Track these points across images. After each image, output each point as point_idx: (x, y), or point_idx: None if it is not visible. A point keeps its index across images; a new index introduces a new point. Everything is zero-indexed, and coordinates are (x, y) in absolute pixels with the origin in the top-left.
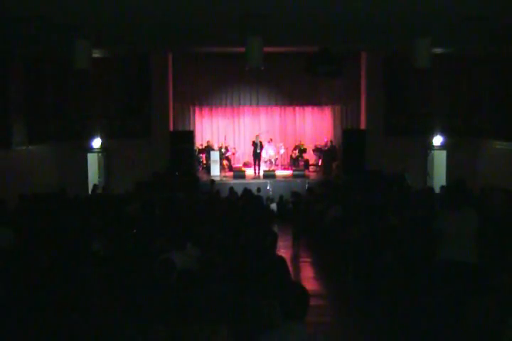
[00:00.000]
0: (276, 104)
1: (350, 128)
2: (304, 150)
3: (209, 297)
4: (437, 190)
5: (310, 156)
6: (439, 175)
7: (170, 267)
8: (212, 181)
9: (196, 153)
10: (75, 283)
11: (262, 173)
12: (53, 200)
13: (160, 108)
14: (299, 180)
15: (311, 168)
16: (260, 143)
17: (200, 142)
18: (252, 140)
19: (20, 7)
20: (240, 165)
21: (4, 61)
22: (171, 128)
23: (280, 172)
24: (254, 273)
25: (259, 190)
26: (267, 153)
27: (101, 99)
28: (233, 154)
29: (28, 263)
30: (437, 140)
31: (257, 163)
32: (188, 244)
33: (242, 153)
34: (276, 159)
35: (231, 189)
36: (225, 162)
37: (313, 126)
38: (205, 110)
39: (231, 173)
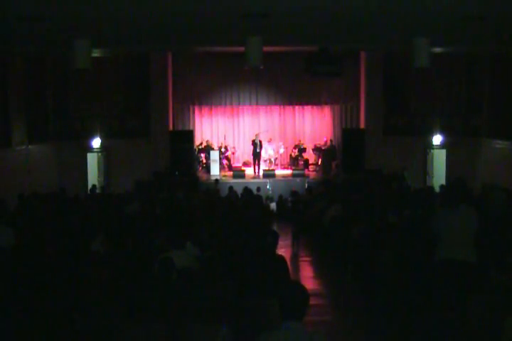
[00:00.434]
0: (276, 104)
1: (349, 127)
2: (304, 150)
3: (209, 297)
4: (437, 189)
5: (309, 155)
6: (439, 174)
7: (170, 266)
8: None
9: (196, 152)
10: (75, 283)
11: (261, 173)
12: (53, 200)
13: (159, 107)
14: (298, 180)
15: (311, 168)
16: (260, 142)
17: (199, 142)
18: (251, 139)
19: (20, 7)
20: (240, 164)
21: (4, 61)
22: (171, 127)
23: (280, 172)
24: (254, 273)
25: (258, 189)
26: (267, 152)
27: (101, 98)
28: (233, 153)
29: (28, 263)
30: (437, 139)
31: (256, 162)
32: (187, 244)
33: (241, 153)
34: (276, 158)
35: (231, 188)
36: (224, 161)
37: (312, 126)
38: (205, 109)
39: (231, 173)
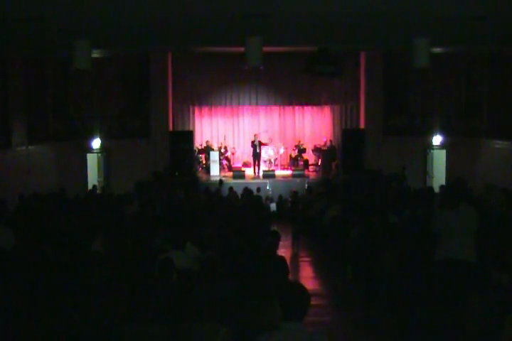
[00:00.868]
0: (276, 104)
1: (349, 127)
2: (304, 150)
3: (209, 297)
4: (437, 189)
5: (309, 156)
6: (439, 174)
7: (169, 267)
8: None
9: (196, 153)
10: (75, 283)
11: (261, 173)
12: (53, 200)
13: (159, 108)
14: (298, 180)
15: (311, 168)
16: (259, 142)
17: (199, 142)
18: (251, 140)
19: (20, 8)
20: (240, 165)
21: (4, 61)
22: (171, 128)
23: (280, 172)
24: (254, 273)
25: (258, 189)
26: (267, 153)
27: (101, 99)
28: (233, 154)
29: (28, 262)
30: (437, 139)
31: (256, 162)
32: (187, 244)
33: (241, 153)
34: (276, 159)
35: (231, 189)
36: (224, 162)
37: (312, 126)
38: (205, 110)
39: (230, 173)
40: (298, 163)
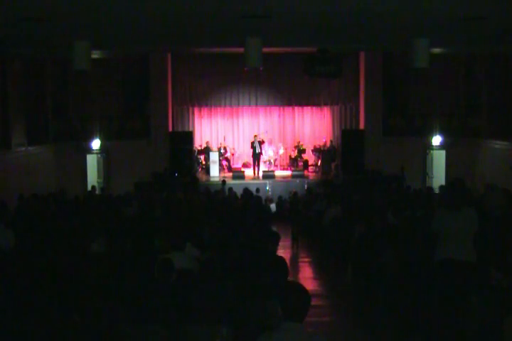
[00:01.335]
0: (276, 105)
1: (349, 128)
2: (303, 151)
3: (209, 297)
4: (436, 189)
5: (309, 156)
6: (439, 175)
7: (169, 267)
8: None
9: (195, 153)
10: (75, 284)
11: (261, 174)
12: (53, 201)
13: (159, 109)
14: (298, 181)
15: (310, 168)
16: (259, 143)
17: (199, 143)
18: (250, 141)
19: (20, 8)
20: (239, 165)
21: (4, 61)
22: (170, 128)
23: (279, 173)
24: (254, 274)
25: (258, 190)
26: (266, 153)
27: (100, 100)
28: (232, 155)
29: (28, 263)
30: (436, 140)
31: (256, 163)
32: (187, 245)
33: (241, 154)
34: (276, 159)
35: (230, 189)
36: (224, 162)
37: (312, 127)
38: (204, 110)
39: (230, 174)
40: (297, 164)
